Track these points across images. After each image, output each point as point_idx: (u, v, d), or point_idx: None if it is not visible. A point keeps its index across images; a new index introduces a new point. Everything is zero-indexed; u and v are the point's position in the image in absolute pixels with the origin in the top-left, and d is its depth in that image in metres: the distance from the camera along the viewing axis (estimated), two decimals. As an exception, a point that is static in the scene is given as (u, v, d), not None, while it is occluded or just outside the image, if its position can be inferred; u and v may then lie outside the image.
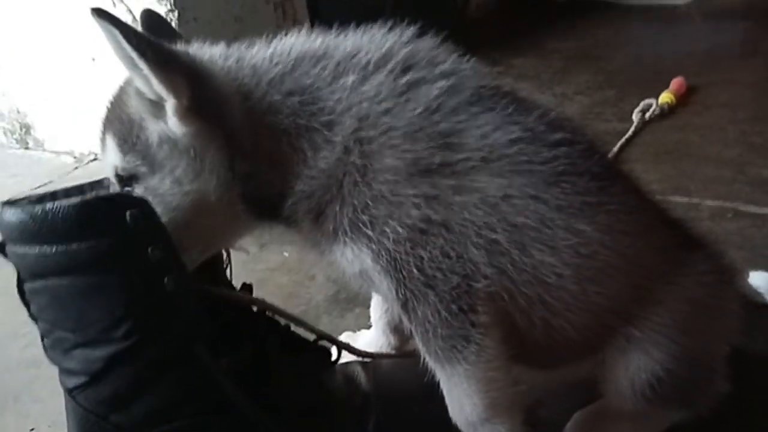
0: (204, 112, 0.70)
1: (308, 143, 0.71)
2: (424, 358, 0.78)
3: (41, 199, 0.74)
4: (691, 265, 0.80)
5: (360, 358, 0.94)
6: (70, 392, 0.75)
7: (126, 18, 1.70)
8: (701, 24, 2.93)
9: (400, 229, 0.69)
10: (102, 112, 0.75)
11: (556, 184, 0.72)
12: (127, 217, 0.67)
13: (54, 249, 0.67)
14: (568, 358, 0.82)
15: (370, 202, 0.70)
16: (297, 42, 0.75)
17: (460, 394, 0.75)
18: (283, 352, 0.83)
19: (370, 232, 0.70)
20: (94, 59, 1.80)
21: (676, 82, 1.97)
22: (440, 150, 0.70)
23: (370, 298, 1.05)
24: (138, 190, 0.72)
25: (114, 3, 1.70)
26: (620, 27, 2.93)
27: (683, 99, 1.95)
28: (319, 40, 0.75)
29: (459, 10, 3.08)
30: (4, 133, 2.13)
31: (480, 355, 0.72)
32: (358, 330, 1.09)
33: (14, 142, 2.13)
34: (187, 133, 0.70)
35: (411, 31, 0.75)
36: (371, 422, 0.83)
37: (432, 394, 0.79)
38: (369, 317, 1.05)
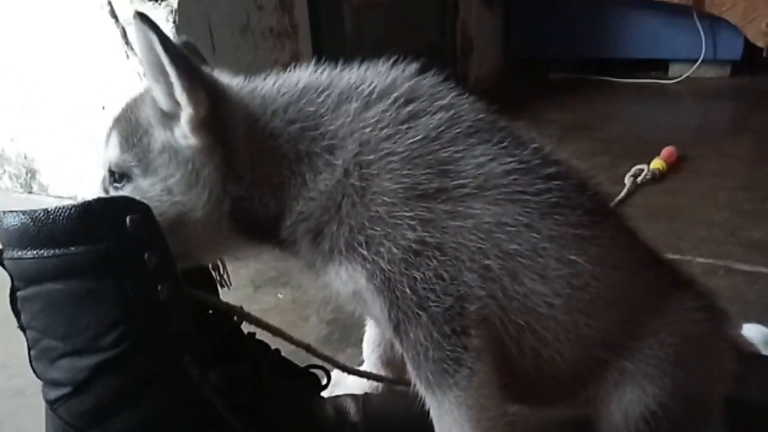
0: (214, 129, 0.73)
1: (308, 167, 0.74)
2: (415, 389, 0.77)
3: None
4: (683, 301, 0.81)
5: (351, 393, 0.94)
6: (51, 405, 0.74)
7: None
8: (692, 102, 3.05)
9: (395, 250, 0.71)
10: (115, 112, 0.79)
11: (549, 215, 0.73)
12: (127, 222, 0.68)
13: (52, 252, 0.68)
14: (559, 393, 0.81)
15: (366, 223, 0.71)
16: (304, 75, 0.80)
17: (450, 424, 0.73)
18: (273, 375, 0.83)
19: (365, 252, 0.71)
20: (104, 108, 1.86)
21: (667, 151, 2.03)
22: (437, 176, 0.72)
23: (362, 339, 1.05)
24: (126, 189, 0.75)
25: (123, 37, 1.77)
26: (614, 102, 3.04)
27: (674, 167, 2.01)
28: (326, 72, 0.80)
29: (457, 83, 3.20)
30: (10, 178, 2.17)
31: (472, 380, 0.71)
32: (350, 369, 1.08)
33: (19, 186, 2.16)
34: (192, 146, 0.73)
35: (413, 66, 0.80)
36: (359, 454, 0.82)
37: (421, 427, 0.78)
38: (360, 357, 1.05)
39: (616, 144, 2.32)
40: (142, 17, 0.67)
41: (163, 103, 0.73)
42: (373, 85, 0.76)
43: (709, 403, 0.82)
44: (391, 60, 0.80)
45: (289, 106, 0.76)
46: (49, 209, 0.67)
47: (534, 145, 0.77)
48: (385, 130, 0.73)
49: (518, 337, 0.74)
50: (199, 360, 0.74)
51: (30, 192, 2.14)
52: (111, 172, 0.76)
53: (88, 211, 0.68)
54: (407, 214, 0.71)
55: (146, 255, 0.70)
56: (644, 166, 1.93)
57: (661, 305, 0.80)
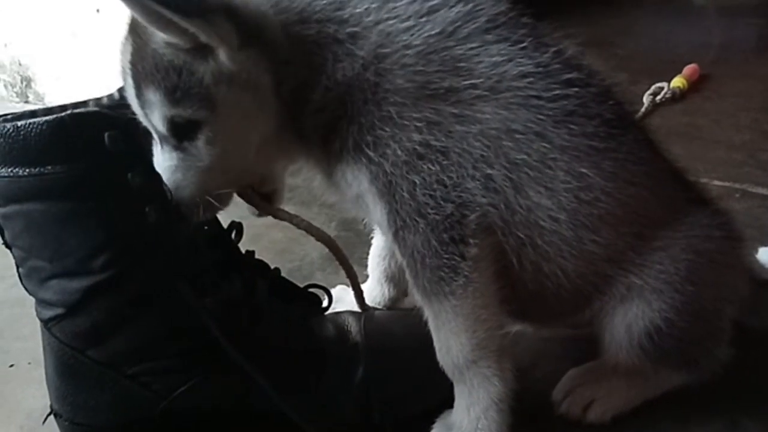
0: (250, 41, 0.68)
1: (331, 53, 0.70)
2: (416, 309, 0.76)
3: (19, 117, 0.69)
4: (699, 218, 0.78)
5: (352, 310, 0.92)
6: (46, 324, 0.73)
7: None
8: (717, 18, 2.90)
9: (400, 152, 0.68)
10: (124, 73, 0.71)
11: (563, 123, 0.70)
12: (106, 139, 0.64)
13: (27, 171, 0.63)
14: (562, 310, 0.79)
15: (377, 122, 0.69)
16: None
17: (448, 334, 0.73)
18: (271, 296, 0.81)
19: (371, 153, 0.69)
20: (98, 10, 1.77)
21: (689, 69, 1.94)
22: (449, 74, 0.68)
23: (365, 257, 1.03)
24: (200, 139, 0.69)
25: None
26: (635, 17, 2.90)
27: (696, 86, 1.93)
28: None
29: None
30: (5, 86, 2.10)
31: (467, 288, 0.70)
32: (352, 285, 1.06)
33: (14, 95, 2.10)
34: (243, 67, 0.69)
35: None
36: (359, 373, 0.81)
37: (422, 347, 0.77)
38: (365, 273, 1.02)
39: (635, 61, 2.21)
40: None
41: (183, 43, 0.66)
42: None
43: (717, 324, 0.80)
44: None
45: None
46: (20, 124, 0.62)
47: (555, 48, 0.72)
48: (406, 23, 0.69)
49: (518, 250, 0.72)
50: (193, 284, 0.71)
51: (26, 101, 2.08)
52: (175, 126, 0.69)
53: (61, 126, 0.63)
54: (415, 115, 0.68)
55: (129, 175, 0.66)
56: (664, 85, 1.84)
57: (676, 220, 0.77)
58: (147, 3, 0.61)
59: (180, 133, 0.70)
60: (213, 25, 0.65)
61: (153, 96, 0.68)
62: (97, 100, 0.72)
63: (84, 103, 0.71)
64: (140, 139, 0.67)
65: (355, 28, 0.69)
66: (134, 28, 0.69)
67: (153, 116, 0.69)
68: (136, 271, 0.69)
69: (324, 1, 0.70)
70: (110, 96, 0.74)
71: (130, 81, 0.70)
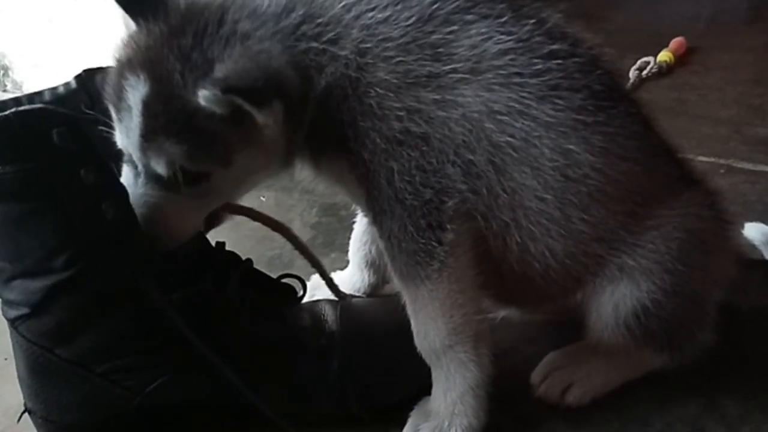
0: (289, 111, 0.67)
1: (315, 68, 0.68)
2: (396, 295, 0.76)
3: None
4: (691, 197, 0.77)
5: (330, 298, 0.91)
6: (12, 323, 0.72)
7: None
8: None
9: (379, 140, 0.68)
10: (124, 104, 0.67)
11: (547, 99, 0.68)
12: (54, 136, 0.62)
13: None
14: (551, 292, 0.78)
15: (358, 117, 0.68)
16: None
17: (425, 318, 0.73)
18: (243, 289, 0.79)
19: (351, 144, 0.69)
20: (74, -3, 1.73)
21: (676, 42, 1.91)
22: (430, 60, 0.67)
23: (346, 242, 1.02)
24: (203, 186, 0.69)
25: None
26: (622, -11, 2.86)
27: (683, 59, 1.90)
28: None
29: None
30: (-18, 76, 2.07)
31: (443, 272, 0.70)
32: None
33: (-8, 84, 2.06)
34: (274, 134, 0.68)
35: None
36: (335, 362, 0.80)
37: (400, 335, 0.77)
38: (344, 260, 1.02)
39: (621, 34, 2.17)
40: (226, 90, 0.61)
41: (226, 112, 0.64)
42: None
43: (704, 308, 0.79)
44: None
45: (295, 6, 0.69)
46: None
47: (535, 20, 0.71)
48: (384, 12, 0.68)
49: (503, 233, 0.72)
50: (159, 280, 0.71)
51: (4, 90, 2.04)
52: (187, 173, 0.67)
53: (7, 125, 0.61)
54: (396, 105, 0.68)
55: (82, 172, 0.64)
56: (650, 59, 1.82)
57: (669, 198, 0.76)
58: (227, 97, 0.61)
59: (184, 180, 0.68)
60: (273, 110, 0.65)
61: (170, 146, 0.65)
62: (53, 90, 0.70)
63: (39, 94, 0.69)
64: (90, 134, 0.65)
65: (336, 29, 0.68)
66: (153, 70, 0.65)
67: (157, 160, 0.66)
68: (97, 268, 0.68)
69: (303, 21, 0.68)
70: (66, 85, 0.71)
71: (137, 120, 0.65)
